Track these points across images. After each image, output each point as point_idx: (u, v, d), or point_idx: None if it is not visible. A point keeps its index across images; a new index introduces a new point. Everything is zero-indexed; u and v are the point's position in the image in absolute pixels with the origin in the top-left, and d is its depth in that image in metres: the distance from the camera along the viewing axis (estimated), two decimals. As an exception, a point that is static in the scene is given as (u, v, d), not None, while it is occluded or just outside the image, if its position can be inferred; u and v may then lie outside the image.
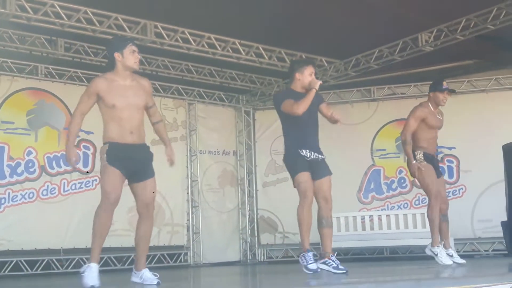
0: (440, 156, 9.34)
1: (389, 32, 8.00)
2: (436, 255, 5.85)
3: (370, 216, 9.05)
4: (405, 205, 9.35)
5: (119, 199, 4.28)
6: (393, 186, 9.45)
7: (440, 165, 9.17)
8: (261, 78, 9.76)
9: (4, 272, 7.52)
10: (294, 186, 5.11)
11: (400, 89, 9.60)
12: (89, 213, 8.66)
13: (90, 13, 6.91)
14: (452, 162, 9.34)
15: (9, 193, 7.64)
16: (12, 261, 7.57)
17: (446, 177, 9.25)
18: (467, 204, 9.05)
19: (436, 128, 6.10)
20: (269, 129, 10.01)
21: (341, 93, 9.76)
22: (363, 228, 8.92)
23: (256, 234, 9.83)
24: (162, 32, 7.46)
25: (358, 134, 9.53)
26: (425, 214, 8.78)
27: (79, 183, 8.14)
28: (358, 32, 7.86)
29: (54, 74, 8.30)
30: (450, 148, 9.34)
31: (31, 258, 7.71)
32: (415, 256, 8.92)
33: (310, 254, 4.97)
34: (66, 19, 6.80)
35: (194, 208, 9.39)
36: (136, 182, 4.36)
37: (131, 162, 4.30)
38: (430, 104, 6.08)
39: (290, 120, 5.12)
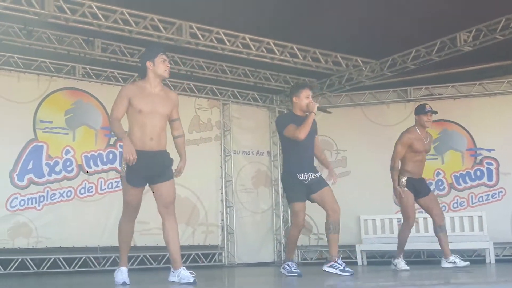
0: (479, 158, 9.17)
1: (426, 32, 7.87)
2: (396, 265, 6.31)
3: (407, 218, 8.88)
4: (443, 208, 9.14)
5: (139, 206, 4.64)
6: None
7: (479, 167, 9.11)
8: (295, 79, 9.71)
9: (42, 269, 7.66)
10: (290, 208, 5.64)
11: (438, 89, 9.43)
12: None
13: (126, 14, 6.99)
14: (491, 164, 9.14)
15: (47, 191, 7.77)
16: (50, 259, 7.70)
17: (485, 179, 9.09)
18: (506, 207, 8.84)
19: (423, 152, 6.40)
20: (303, 129, 9.94)
21: (377, 93, 9.64)
22: (399, 231, 8.76)
23: (290, 236, 9.76)
24: (197, 32, 7.49)
25: (394, 135, 9.33)
26: (463, 217, 8.73)
27: (115, 182, 8.22)
28: (394, 32, 7.75)
29: (91, 74, 8.42)
30: (489, 150, 9.14)
31: (69, 256, 7.83)
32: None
33: (294, 263, 5.57)
34: (103, 19, 6.88)
35: (228, 208, 9.40)
36: (154, 184, 4.60)
37: (148, 169, 4.52)
38: (417, 128, 6.41)
39: (291, 144, 5.47)
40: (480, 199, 9.09)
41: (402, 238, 6.42)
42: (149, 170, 4.52)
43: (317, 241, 9.56)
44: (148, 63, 4.61)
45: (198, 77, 9.14)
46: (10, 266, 7.50)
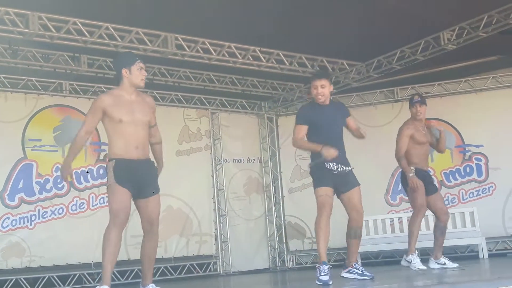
0: (468, 154, 9.24)
1: (410, 32, 7.92)
2: (410, 262, 6.07)
3: (399, 218, 8.94)
4: (434, 206, 9.21)
5: (128, 217, 4.31)
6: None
7: (468, 163, 9.18)
8: (283, 84, 9.75)
9: (37, 288, 7.62)
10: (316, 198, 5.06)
11: (424, 88, 9.50)
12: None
13: (111, 29, 6.98)
14: (480, 160, 9.22)
15: (39, 209, 7.75)
16: (44, 277, 7.66)
17: (475, 175, 9.17)
18: (497, 202, 8.93)
19: (425, 143, 6.24)
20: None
21: (364, 95, 9.70)
22: (393, 231, 8.81)
23: (284, 241, 9.79)
24: (183, 43, 7.50)
25: (383, 136, 9.41)
26: (455, 214, 8.78)
27: (107, 196, 8.19)
28: (379, 33, 7.80)
29: (79, 90, 8.41)
30: (477, 146, 9.23)
31: (63, 273, 7.79)
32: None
33: (326, 267, 4.83)
34: (88, 35, 6.88)
35: (221, 217, 9.40)
36: (141, 199, 4.36)
37: (137, 178, 4.31)
38: (413, 121, 6.26)
39: (316, 132, 5.09)
40: (471, 195, 9.17)
41: (411, 231, 6.13)
42: (136, 176, 4.30)
43: (311, 245, 9.58)
44: (124, 71, 4.39)
45: (185, 88, 9.15)
46: (4, 287, 7.46)
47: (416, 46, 8.12)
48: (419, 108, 6.15)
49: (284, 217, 9.83)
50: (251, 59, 8.12)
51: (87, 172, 8.08)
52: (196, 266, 9.01)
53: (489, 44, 8.05)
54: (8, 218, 7.60)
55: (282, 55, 8.31)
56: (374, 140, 9.23)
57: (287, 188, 9.88)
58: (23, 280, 7.58)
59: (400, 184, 9.28)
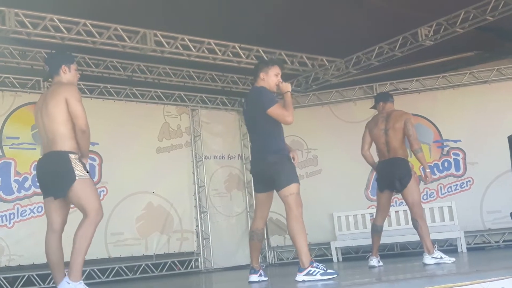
0: (446, 149, 9.35)
1: (388, 29, 8.00)
2: (441, 258, 5.83)
3: (379, 213, 9.00)
4: (413, 201, 9.31)
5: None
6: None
7: (446, 158, 9.29)
8: (263, 81, 9.74)
9: (17, 287, 7.54)
10: (284, 195, 4.84)
11: (402, 84, 9.59)
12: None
13: (89, 25, 6.92)
14: (458, 155, 9.32)
15: (17, 208, 7.66)
16: (24, 276, 7.58)
17: (453, 170, 9.28)
18: (475, 196, 9.04)
19: (377, 138, 6.35)
20: (273, 131, 10.00)
21: (344, 91, 9.76)
22: (373, 225, 8.87)
23: (265, 237, 9.82)
24: (162, 40, 7.47)
25: (362, 131, 9.49)
26: (434, 208, 8.89)
27: (87, 194, 8.13)
28: (358, 30, 7.86)
29: (57, 87, 8.30)
30: (455, 141, 9.33)
31: (43, 272, 7.70)
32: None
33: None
34: (65, 32, 6.81)
35: (202, 214, 9.40)
36: (49, 197, 4.32)
37: (39, 178, 4.33)
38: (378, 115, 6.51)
39: (274, 124, 4.83)
40: (449, 190, 9.27)
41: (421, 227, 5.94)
42: (39, 178, 4.36)
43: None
44: (64, 67, 4.43)
45: (165, 84, 9.12)
46: (-16, 286, 7.38)
47: (394, 42, 8.20)
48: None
49: (265, 213, 9.84)
50: (231, 55, 8.11)
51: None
52: (177, 263, 8.99)
53: (466, 40, 8.16)
54: (-14, 217, 7.52)
55: (261, 51, 8.32)
56: (353, 136, 9.32)
57: (268, 184, 9.88)
58: (2, 279, 7.49)
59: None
